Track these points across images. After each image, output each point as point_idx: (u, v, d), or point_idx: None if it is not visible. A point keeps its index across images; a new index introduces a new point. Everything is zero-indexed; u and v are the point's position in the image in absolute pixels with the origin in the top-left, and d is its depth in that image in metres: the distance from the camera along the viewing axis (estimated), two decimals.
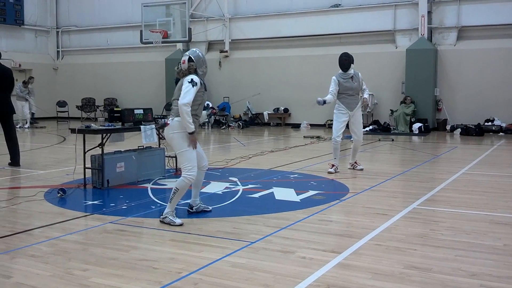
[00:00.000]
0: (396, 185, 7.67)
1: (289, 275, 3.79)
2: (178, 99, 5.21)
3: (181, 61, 5.37)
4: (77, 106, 23.70)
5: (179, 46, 21.72)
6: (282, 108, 20.20)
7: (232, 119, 20.40)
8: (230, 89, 21.12)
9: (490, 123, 16.65)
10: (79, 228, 5.20)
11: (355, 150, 8.87)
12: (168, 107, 20.59)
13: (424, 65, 17.36)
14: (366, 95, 8.61)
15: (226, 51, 21.18)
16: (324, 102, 8.44)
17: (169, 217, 5.25)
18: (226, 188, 7.26)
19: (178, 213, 5.69)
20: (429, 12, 17.78)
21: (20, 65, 23.30)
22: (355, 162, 8.90)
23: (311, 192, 6.93)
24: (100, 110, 23.55)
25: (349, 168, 8.88)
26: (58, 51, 25.88)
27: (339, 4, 19.23)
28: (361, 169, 8.75)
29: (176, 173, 8.29)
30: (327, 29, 19.29)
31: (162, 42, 19.68)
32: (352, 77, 8.52)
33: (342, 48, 18.89)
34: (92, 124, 7.72)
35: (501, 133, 16.17)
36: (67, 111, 22.61)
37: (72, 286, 3.63)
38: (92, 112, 23.84)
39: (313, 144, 13.38)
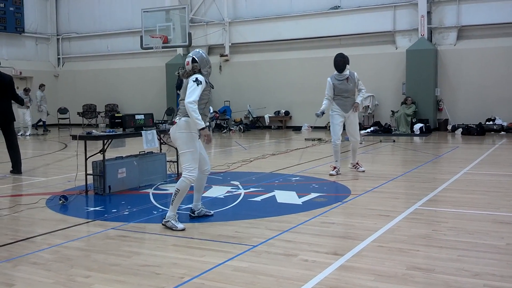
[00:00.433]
0: (398, 186, 7.66)
1: (292, 278, 3.78)
2: (184, 99, 5.25)
3: (185, 63, 5.43)
4: (78, 113, 23.74)
5: (180, 51, 21.77)
6: (283, 111, 20.21)
7: (233, 122, 20.42)
8: (231, 93, 21.14)
9: (491, 123, 16.64)
10: (81, 235, 5.19)
11: (354, 150, 8.84)
12: (169, 112, 20.67)
13: (424, 65, 17.37)
14: (359, 99, 8.45)
15: (227, 55, 21.21)
16: (323, 113, 8.44)
17: (172, 221, 5.25)
18: (228, 192, 7.25)
19: (179, 219, 5.69)
20: (429, 12, 17.80)
21: (21, 73, 23.36)
22: (357, 163, 8.86)
23: (313, 195, 6.92)
24: (101, 116, 23.59)
25: (351, 168, 8.87)
26: (58, 58, 25.95)
27: (339, 6, 19.26)
28: (363, 171, 8.71)
29: (178, 178, 8.28)
30: (327, 31, 19.31)
31: (163, 47, 19.73)
32: (347, 78, 8.41)
33: (342, 50, 18.88)
34: (94, 130, 7.73)
35: (502, 132, 16.15)
36: (69, 118, 22.64)
37: None
38: (93, 118, 23.88)
39: (314, 147, 13.36)
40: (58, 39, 25.79)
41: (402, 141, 14.59)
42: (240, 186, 7.68)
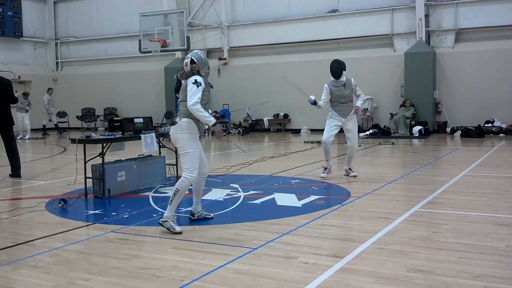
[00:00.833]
0: (398, 189, 7.66)
1: (292, 280, 3.78)
2: (184, 100, 5.29)
3: (184, 64, 5.45)
4: (77, 116, 23.75)
5: (178, 54, 21.78)
6: (282, 114, 20.22)
7: (232, 125, 20.42)
8: (230, 96, 21.16)
9: (490, 125, 16.66)
10: (81, 238, 5.19)
11: (350, 157, 8.65)
12: (168, 115, 20.68)
13: (422, 68, 17.40)
14: (359, 103, 8.36)
15: (225, 59, 21.24)
16: (315, 103, 8.30)
17: (170, 222, 5.22)
18: (227, 195, 7.25)
19: (179, 221, 5.69)
20: (426, 15, 17.84)
21: (19, 77, 23.38)
22: (349, 169, 8.67)
23: (312, 197, 6.92)
24: (100, 120, 23.61)
25: (344, 174, 8.71)
26: (57, 62, 25.96)
27: (337, 10, 19.30)
28: (355, 176, 8.51)
29: (177, 181, 8.27)
30: (325, 35, 19.35)
31: (161, 51, 19.73)
32: (344, 84, 8.31)
33: (340, 53, 19.03)
34: (93, 134, 7.72)
35: (501, 134, 16.18)
36: (67, 122, 22.65)
37: None
38: (92, 122, 23.89)
39: (313, 149, 13.37)
40: (56, 43, 25.81)
41: (401, 143, 14.61)
42: (239, 189, 7.68)
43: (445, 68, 17.70)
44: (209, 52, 21.89)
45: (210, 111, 6.84)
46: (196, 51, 5.56)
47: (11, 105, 9.62)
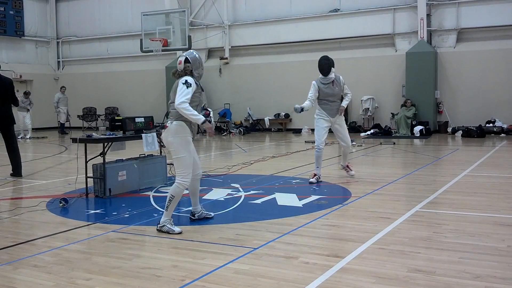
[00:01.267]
0: (399, 189, 7.66)
1: (293, 280, 3.78)
2: (174, 102, 5.15)
3: (178, 62, 5.35)
4: (78, 116, 23.75)
5: (179, 54, 21.73)
6: (283, 114, 20.22)
7: (233, 125, 20.42)
8: (231, 95, 21.16)
9: (491, 125, 16.64)
10: (82, 238, 5.19)
11: (345, 154, 8.55)
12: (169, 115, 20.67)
13: (424, 68, 17.38)
14: (345, 103, 8.16)
15: (226, 58, 21.23)
16: (302, 109, 7.96)
17: (167, 225, 5.19)
18: (228, 194, 7.25)
19: (180, 221, 5.69)
20: (428, 15, 17.82)
21: (21, 76, 23.39)
22: (347, 166, 8.61)
23: (313, 197, 6.92)
24: (101, 119, 23.62)
25: (341, 169, 8.69)
26: (58, 61, 25.98)
27: (338, 9, 19.29)
28: (353, 175, 8.44)
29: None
30: (327, 34, 19.35)
31: (162, 50, 19.73)
32: (333, 81, 8.05)
33: (342, 52, 19.05)
34: (94, 133, 7.72)
35: (502, 134, 16.16)
36: (69, 121, 22.63)
37: None
38: (94, 121, 23.91)
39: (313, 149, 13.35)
40: (58, 42, 25.82)
41: (402, 143, 14.59)
42: (240, 188, 7.68)
43: (446, 68, 17.68)
44: (211, 52, 21.91)
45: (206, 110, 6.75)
46: (191, 51, 5.48)
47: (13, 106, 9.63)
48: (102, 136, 7.47)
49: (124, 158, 7.89)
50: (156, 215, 6.07)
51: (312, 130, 18.90)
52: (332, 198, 7.01)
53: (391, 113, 18.06)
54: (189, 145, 5.26)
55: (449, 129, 17.18)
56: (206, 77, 17.49)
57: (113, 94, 23.98)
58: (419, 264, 4.07)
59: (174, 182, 5.27)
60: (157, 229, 5.25)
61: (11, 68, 22.60)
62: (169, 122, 5.28)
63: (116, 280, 3.87)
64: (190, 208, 5.79)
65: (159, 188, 7.86)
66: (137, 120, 7.80)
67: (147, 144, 7.58)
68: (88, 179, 7.36)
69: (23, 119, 18.63)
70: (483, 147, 13.34)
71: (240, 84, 21.02)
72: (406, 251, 4.41)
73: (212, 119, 17.74)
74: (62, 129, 21.08)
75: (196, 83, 5.21)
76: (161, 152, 8.58)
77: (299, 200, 6.74)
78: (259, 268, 4.06)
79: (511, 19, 16.60)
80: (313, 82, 8.19)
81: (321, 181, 8.08)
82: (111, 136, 7.46)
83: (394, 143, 14.35)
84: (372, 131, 17.54)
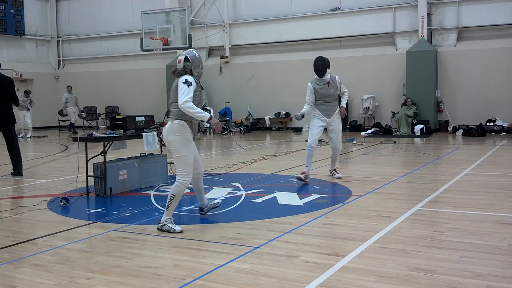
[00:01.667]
0: (399, 187, 7.66)
1: (294, 279, 3.78)
2: (175, 101, 5.18)
3: (177, 60, 5.36)
4: (78, 115, 23.70)
5: (180, 52, 21.68)
6: (284, 113, 20.21)
7: (233, 124, 20.42)
8: (231, 94, 21.16)
9: (492, 124, 16.63)
10: (83, 237, 5.19)
11: (334, 158, 8.39)
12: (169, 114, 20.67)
13: (424, 66, 17.36)
14: (343, 102, 8.11)
15: (227, 57, 21.22)
16: (303, 116, 7.95)
17: (168, 224, 5.19)
18: (229, 193, 7.25)
19: (181, 220, 5.70)
20: (429, 14, 17.80)
21: (21, 75, 23.39)
22: (334, 170, 8.44)
23: (314, 196, 6.92)
24: (102, 118, 23.60)
25: (328, 175, 8.50)
26: (59, 60, 25.97)
27: (339, 8, 19.27)
28: (339, 177, 8.27)
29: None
30: (327, 33, 19.33)
31: (163, 49, 19.73)
32: (328, 82, 7.98)
33: (342, 51, 19.05)
34: (94, 132, 7.73)
35: (503, 133, 16.15)
36: (69, 120, 22.63)
37: None
38: (94, 120, 23.89)
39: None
40: (58, 41, 25.81)
41: (402, 142, 14.59)
42: (241, 187, 7.68)
43: (447, 66, 17.66)
44: (211, 50, 21.89)
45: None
46: (191, 49, 5.49)
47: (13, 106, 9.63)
48: (102, 135, 7.47)
49: (124, 157, 7.89)
50: (156, 214, 6.08)
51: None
52: (333, 197, 7.01)
53: (392, 112, 18.05)
54: (189, 144, 5.26)
55: (450, 128, 17.17)
56: (206, 76, 17.50)
57: (113, 93, 23.97)
58: (420, 263, 4.07)
59: (174, 181, 5.27)
60: (158, 229, 5.25)
61: (12, 67, 22.59)
62: (169, 121, 5.28)
63: (117, 279, 3.88)
64: (191, 207, 5.81)
65: (159, 187, 7.87)
66: (137, 119, 7.80)
67: (148, 143, 7.58)
68: (88, 178, 7.36)
69: (23, 118, 18.62)
70: (483, 146, 13.33)
71: (241, 83, 21.00)
72: (407, 250, 4.41)
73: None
74: (72, 129, 20.91)
75: (196, 81, 5.22)
76: (161, 151, 8.58)
77: (300, 199, 6.74)
78: (260, 267, 4.06)
79: None
80: (309, 84, 8.13)
81: (308, 181, 7.93)
82: (111, 135, 7.47)
83: (394, 142, 14.34)
84: (372, 130, 17.53)
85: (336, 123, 8.15)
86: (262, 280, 3.77)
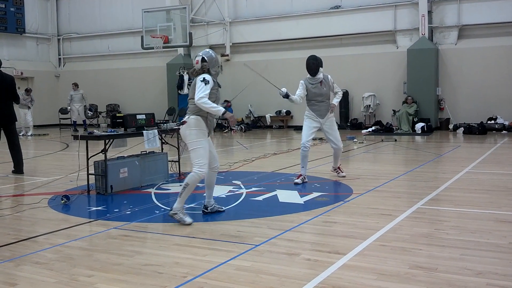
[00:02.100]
0: (400, 185, 7.66)
1: (295, 277, 3.78)
2: (193, 98, 5.40)
3: (195, 61, 5.56)
4: (85, 113, 23.69)
5: (180, 51, 21.76)
6: (284, 111, 20.21)
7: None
8: (232, 92, 21.08)
9: (493, 122, 16.63)
10: (84, 234, 5.20)
11: (336, 156, 8.25)
12: (170, 111, 20.66)
13: (425, 64, 17.35)
14: (335, 100, 7.99)
15: (227, 55, 21.21)
16: (288, 96, 7.72)
17: (180, 214, 5.34)
18: (230, 191, 7.26)
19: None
20: (430, 12, 17.79)
21: (22, 73, 23.39)
22: (338, 168, 8.37)
23: (314, 194, 6.92)
24: (103, 116, 23.60)
25: (331, 171, 8.45)
26: (59, 59, 25.96)
27: (339, 6, 19.26)
28: (343, 176, 8.22)
29: (180, 177, 8.29)
30: (328, 31, 19.31)
31: (163, 47, 19.73)
32: (321, 82, 7.87)
33: (343, 49, 19.03)
34: (95, 130, 7.73)
35: (504, 131, 16.15)
36: (70, 118, 22.64)
37: None
38: (95, 118, 23.88)
39: (316, 146, 13.35)
40: (59, 40, 25.80)
41: (403, 140, 14.59)
42: (242, 185, 7.69)
43: (448, 64, 17.65)
44: (212, 49, 21.69)
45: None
46: (207, 50, 5.69)
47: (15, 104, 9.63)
48: (103, 133, 7.47)
49: (125, 155, 7.90)
50: (157, 212, 6.09)
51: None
52: (334, 195, 7.01)
53: (393, 110, 18.05)
54: (204, 138, 5.45)
55: (451, 126, 17.16)
56: None
57: (114, 91, 23.97)
58: (421, 261, 4.07)
59: (175, 179, 5.30)
60: (169, 215, 5.37)
61: (12, 65, 22.60)
62: (187, 117, 5.50)
63: (117, 277, 3.88)
64: (192, 205, 5.81)
65: (160, 185, 7.87)
66: (138, 117, 7.80)
67: (149, 141, 7.58)
68: (89, 176, 7.37)
69: (24, 116, 18.62)
70: (484, 144, 13.33)
71: (241, 81, 20.93)
72: (407, 248, 4.42)
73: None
74: (74, 127, 20.84)
75: (213, 80, 5.44)
76: (162, 149, 8.58)
77: (301, 197, 6.74)
78: (260, 265, 4.06)
79: None
80: (301, 81, 8.05)
81: (306, 182, 7.87)
82: (112, 133, 7.46)
83: (395, 140, 14.33)
84: (373, 128, 17.53)
85: (330, 122, 8.03)
86: (263, 278, 3.78)
